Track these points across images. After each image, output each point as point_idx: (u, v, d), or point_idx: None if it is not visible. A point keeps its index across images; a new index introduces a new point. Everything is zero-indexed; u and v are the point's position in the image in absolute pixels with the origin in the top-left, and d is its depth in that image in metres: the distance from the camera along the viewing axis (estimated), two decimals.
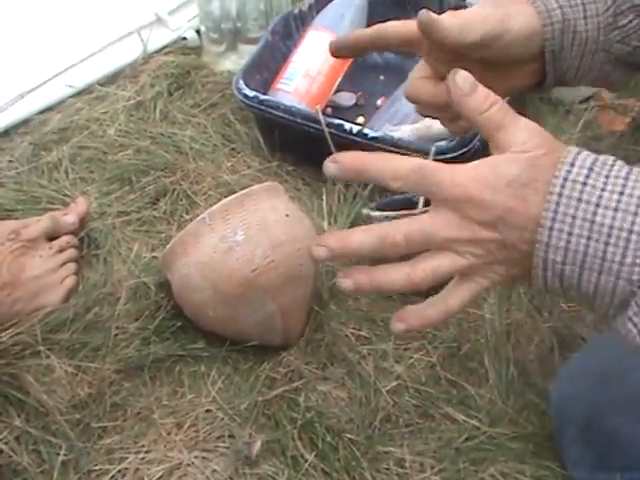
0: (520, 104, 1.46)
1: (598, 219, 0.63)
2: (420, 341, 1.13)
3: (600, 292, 0.65)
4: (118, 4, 1.71)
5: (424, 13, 0.81)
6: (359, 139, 1.28)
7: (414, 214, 1.13)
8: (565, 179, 0.64)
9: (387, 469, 1.00)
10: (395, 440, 1.02)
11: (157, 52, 1.64)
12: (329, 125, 1.29)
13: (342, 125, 1.29)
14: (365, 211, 1.18)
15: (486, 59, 0.82)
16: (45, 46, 1.60)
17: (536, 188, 0.65)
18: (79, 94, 1.55)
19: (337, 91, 1.49)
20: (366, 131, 1.29)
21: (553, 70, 0.85)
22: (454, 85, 0.70)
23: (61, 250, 1.19)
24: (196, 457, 1.01)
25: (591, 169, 0.64)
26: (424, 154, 1.22)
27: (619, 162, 0.65)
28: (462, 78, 0.70)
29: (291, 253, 1.07)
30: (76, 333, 1.11)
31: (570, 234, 0.64)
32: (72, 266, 1.19)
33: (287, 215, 1.10)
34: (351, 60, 1.48)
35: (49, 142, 1.44)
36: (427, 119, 1.36)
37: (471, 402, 1.06)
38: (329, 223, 1.27)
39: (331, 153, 1.23)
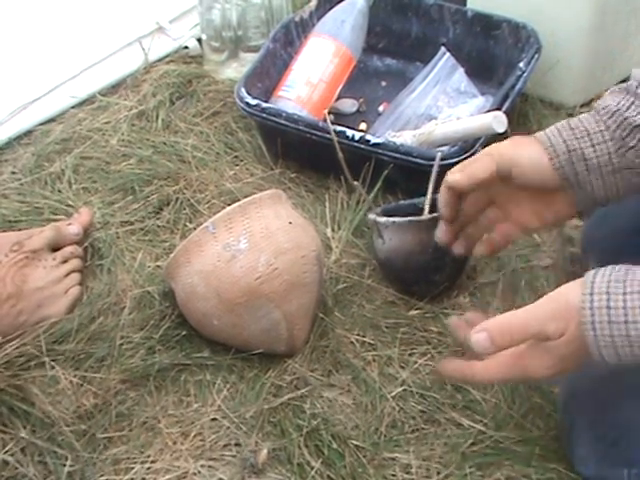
0: (522, 108, 1.47)
1: (632, 333, 0.76)
2: (425, 346, 1.13)
3: None
4: (119, 14, 1.72)
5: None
6: (361, 146, 1.28)
7: (421, 220, 1.14)
8: (591, 308, 0.78)
9: (393, 475, 0.99)
10: (401, 446, 1.02)
11: (159, 61, 1.65)
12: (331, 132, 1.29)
13: (344, 132, 1.29)
14: (371, 216, 1.18)
15: (523, 188, 0.99)
16: (47, 57, 1.61)
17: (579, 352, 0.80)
18: (81, 104, 1.56)
19: (339, 98, 1.49)
20: (368, 137, 1.29)
21: (580, 195, 0.97)
22: (476, 350, 0.84)
23: (65, 260, 1.19)
24: (202, 466, 1.00)
25: (608, 292, 0.77)
26: (427, 159, 1.23)
27: (629, 272, 0.78)
28: (475, 343, 0.83)
29: (295, 260, 1.08)
30: (81, 343, 1.11)
31: (615, 347, 0.77)
32: (76, 276, 1.19)
33: (290, 222, 1.10)
34: (352, 67, 1.48)
35: (52, 153, 1.45)
36: (429, 124, 1.36)
37: (476, 407, 1.05)
38: (332, 230, 1.27)
39: (337, 160, 1.24)
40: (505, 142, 1.01)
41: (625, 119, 0.94)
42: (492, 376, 0.87)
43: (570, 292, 0.80)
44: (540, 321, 0.81)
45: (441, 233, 1.07)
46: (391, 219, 1.15)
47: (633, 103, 0.94)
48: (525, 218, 1.02)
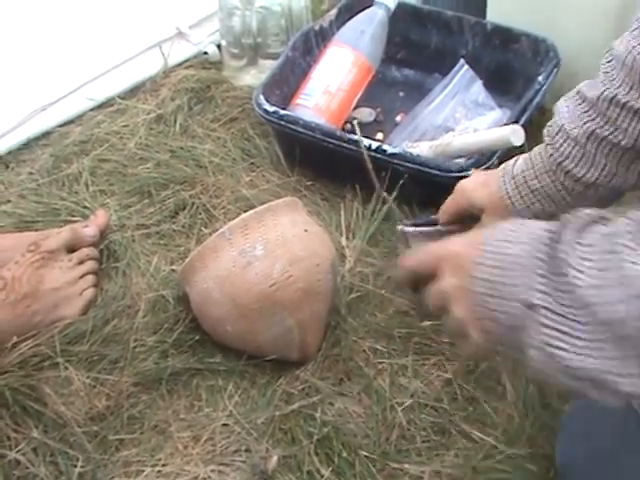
0: (540, 122, 1.47)
1: (507, 251, 0.73)
2: (437, 357, 1.13)
3: (514, 325, 0.71)
4: (139, 18, 1.72)
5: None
6: (378, 155, 1.28)
7: (441, 231, 1.13)
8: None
9: None
10: (411, 457, 1.02)
11: (178, 66, 1.65)
12: (348, 141, 1.30)
13: (361, 141, 1.29)
14: (399, 227, 1.18)
15: None
16: (66, 59, 1.62)
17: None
18: (100, 107, 1.56)
19: (356, 107, 1.50)
20: (385, 147, 1.29)
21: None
22: None
23: (81, 262, 1.20)
24: (212, 471, 1.01)
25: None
26: (443, 171, 1.23)
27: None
28: None
29: (310, 268, 1.08)
30: (94, 345, 1.11)
31: (492, 267, 0.73)
32: (91, 278, 1.19)
33: (306, 230, 1.10)
34: (371, 76, 1.49)
35: (70, 154, 1.45)
36: (446, 135, 1.36)
37: (487, 419, 1.05)
38: (347, 238, 1.27)
39: (353, 169, 1.22)
40: (471, 182, 1.12)
41: (579, 179, 1.00)
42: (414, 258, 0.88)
43: None
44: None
45: None
46: (418, 229, 1.15)
47: (583, 153, 0.99)
48: None
